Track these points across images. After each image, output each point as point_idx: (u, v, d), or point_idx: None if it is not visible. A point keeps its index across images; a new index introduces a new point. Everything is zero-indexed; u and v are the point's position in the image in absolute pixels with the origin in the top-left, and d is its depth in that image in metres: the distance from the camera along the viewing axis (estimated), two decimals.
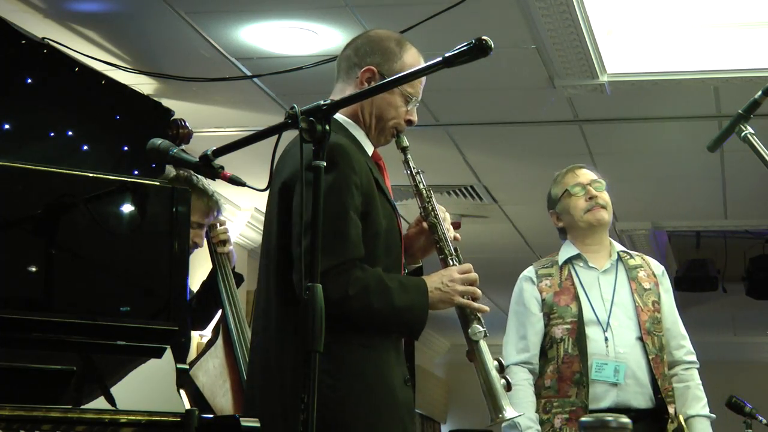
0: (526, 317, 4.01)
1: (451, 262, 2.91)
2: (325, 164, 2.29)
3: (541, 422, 3.90)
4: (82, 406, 2.49)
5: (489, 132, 7.11)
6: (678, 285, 9.88)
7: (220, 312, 3.92)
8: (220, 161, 2.46)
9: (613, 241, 4.16)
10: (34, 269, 2.50)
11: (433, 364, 14.20)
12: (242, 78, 6.05)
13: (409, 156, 2.97)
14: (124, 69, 5.84)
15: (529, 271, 4.11)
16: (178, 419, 2.40)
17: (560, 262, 4.08)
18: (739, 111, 3.00)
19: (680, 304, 12.42)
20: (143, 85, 6.05)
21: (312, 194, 2.30)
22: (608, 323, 3.95)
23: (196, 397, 3.59)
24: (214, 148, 2.44)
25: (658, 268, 4.17)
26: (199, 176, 3.88)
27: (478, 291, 2.89)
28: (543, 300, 4.01)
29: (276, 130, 2.38)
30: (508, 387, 2.84)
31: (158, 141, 2.52)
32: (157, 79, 6.04)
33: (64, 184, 2.58)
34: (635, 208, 8.70)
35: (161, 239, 2.62)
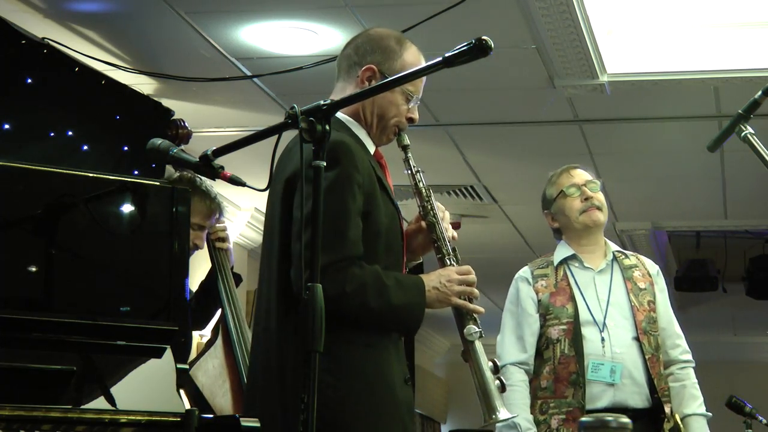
0: (522, 318, 4.00)
1: (448, 262, 2.91)
2: (324, 164, 2.29)
3: (538, 423, 3.89)
4: (82, 406, 2.49)
5: (489, 132, 7.11)
6: (678, 285, 9.88)
7: (219, 312, 3.92)
8: (220, 161, 2.46)
9: (608, 241, 4.15)
10: (34, 269, 2.50)
11: (433, 364, 14.20)
12: (242, 78, 6.05)
13: (409, 154, 2.97)
14: (124, 69, 5.84)
15: (525, 272, 4.10)
16: (178, 419, 2.40)
17: (555, 263, 4.07)
18: (739, 111, 3.00)
19: (680, 304, 12.40)
20: (143, 85, 6.05)
21: (313, 194, 2.30)
22: (604, 323, 3.95)
23: (196, 397, 3.59)
24: (214, 148, 2.44)
25: (653, 267, 4.17)
26: (203, 178, 3.88)
27: (476, 291, 2.89)
28: (539, 300, 4.01)
29: (276, 130, 2.38)
30: (503, 388, 2.85)
31: (158, 141, 2.52)
32: (157, 79, 6.04)
33: (64, 184, 2.57)
34: (635, 208, 8.70)
35: (161, 239, 2.62)
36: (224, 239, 4.03)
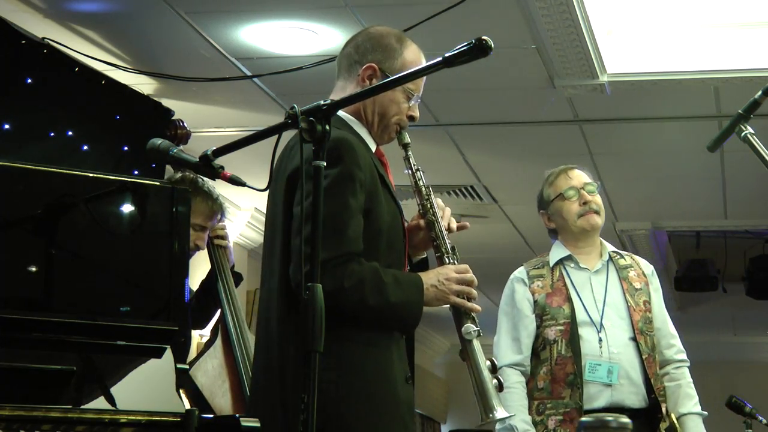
0: (519, 319, 4.00)
1: (447, 260, 2.92)
2: (324, 164, 2.29)
3: (534, 423, 3.89)
4: (82, 406, 2.49)
5: (489, 132, 7.11)
6: (678, 285, 9.88)
7: (219, 312, 3.92)
8: (220, 161, 2.46)
9: (604, 242, 4.15)
10: (34, 269, 2.50)
11: (433, 364, 14.20)
12: (242, 78, 6.05)
13: (410, 153, 2.98)
14: (124, 69, 5.84)
15: (521, 272, 4.10)
16: (178, 419, 2.40)
17: (551, 264, 4.07)
18: (739, 111, 3.00)
19: (680, 304, 12.39)
20: (143, 85, 6.05)
21: (313, 194, 2.31)
22: (601, 324, 3.95)
23: (196, 397, 3.59)
24: (214, 148, 2.44)
25: (648, 267, 4.17)
26: (205, 179, 3.89)
27: (474, 291, 2.90)
28: (535, 301, 4.00)
29: (276, 130, 2.38)
30: (500, 387, 2.85)
31: (158, 141, 2.52)
32: (157, 79, 6.04)
33: (64, 184, 2.57)
34: (635, 208, 8.70)
35: (161, 239, 2.62)
36: (223, 237, 4.03)
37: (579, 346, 3.90)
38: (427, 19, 5.14)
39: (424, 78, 2.96)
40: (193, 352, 4.10)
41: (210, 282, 4.00)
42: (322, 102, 2.31)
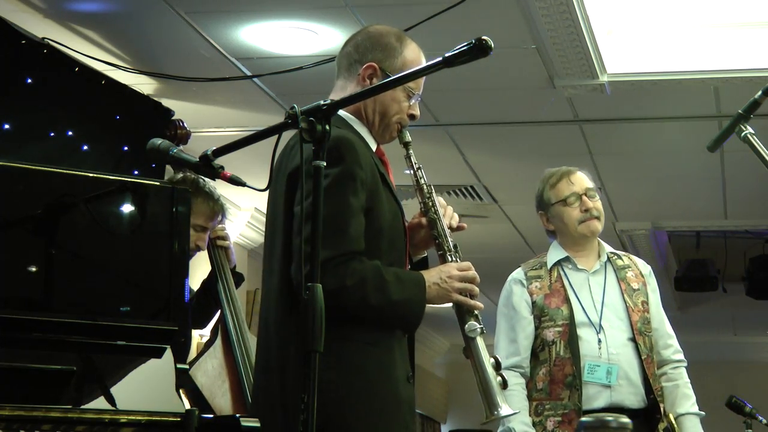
0: (516, 320, 3.99)
1: (449, 258, 2.91)
2: (324, 164, 2.29)
3: (533, 424, 3.89)
4: (82, 406, 2.49)
5: (489, 132, 7.11)
6: (678, 285, 9.88)
7: (219, 312, 3.92)
8: (220, 161, 2.46)
9: (602, 242, 4.14)
10: (34, 269, 2.50)
11: (433, 364, 14.20)
12: (242, 78, 6.05)
13: (411, 151, 2.97)
14: (124, 69, 5.84)
15: (518, 274, 4.09)
16: (178, 419, 2.40)
17: (549, 265, 4.07)
18: (739, 111, 3.00)
19: (680, 304, 12.36)
20: (143, 85, 6.05)
21: (313, 194, 2.31)
22: (600, 325, 3.95)
23: (196, 397, 3.59)
24: (214, 148, 2.44)
25: (645, 267, 4.16)
26: (206, 180, 3.89)
27: (476, 288, 2.89)
28: (533, 302, 4.00)
29: (276, 130, 2.38)
30: (504, 384, 2.84)
31: (158, 141, 2.52)
32: (157, 79, 6.04)
33: (64, 184, 2.57)
34: (635, 208, 8.70)
35: (161, 239, 2.62)
36: (224, 238, 4.03)
37: (578, 347, 3.90)
38: (427, 19, 5.14)
39: (425, 77, 2.96)
40: (192, 353, 4.09)
41: (211, 282, 4.00)
42: (322, 102, 2.31)
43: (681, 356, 4.09)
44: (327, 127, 2.29)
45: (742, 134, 2.98)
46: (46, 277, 2.51)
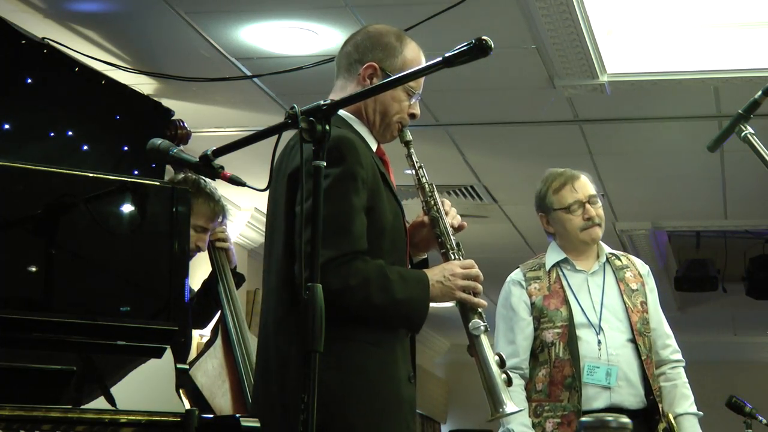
0: (515, 322, 3.98)
1: (452, 257, 2.91)
2: (324, 164, 2.29)
3: (532, 425, 3.88)
4: (82, 406, 2.49)
5: (489, 132, 7.11)
6: (678, 285, 9.88)
7: (219, 312, 3.92)
8: (220, 161, 2.46)
9: (602, 243, 4.13)
10: (34, 269, 2.50)
11: (433, 364, 14.20)
12: (242, 78, 6.05)
13: (412, 150, 2.97)
14: (124, 69, 5.84)
15: (517, 275, 4.08)
16: (178, 419, 2.40)
17: (548, 267, 4.06)
18: (739, 111, 3.00)
19: (680, 304, 12.32)
20: (143, 85, 6.05)
21: (313, 194, 2.31)
22: (600, 326, 3.94)
23: (196, 397, 3.60)
24: (214, 148, 2.44)
25: (644, 267, 4.16)
26: (207, 180, 3.88)
27: (480, 286, 2.89)
28: (533, 303, 3.99)
29: (276, 130, 2.38)
30: (509, 382, 2.83)
31: (158, 141, 2.52)
32: (157, 79, 6.04)
33: (64, 184, 2.57)
34: (635, 208, 8.70)
35: (161, 239, 2.62)
36: (224, 239, 4.03)
37: (577, 348, 3.89)
38: (427, 19, 5.14)
39: (424, 76, 2.96)
40: (193, 353, 4.10)
41: (211, 282, 4.00)
42: (322, 102, 2.31)
43: (679, 356, 4.09)
44: (327, 127, 2.29)
45: (742, 134, 2.98)
46: (46, 277, 2.51)
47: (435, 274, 2.85)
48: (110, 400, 2.55)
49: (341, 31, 5.45)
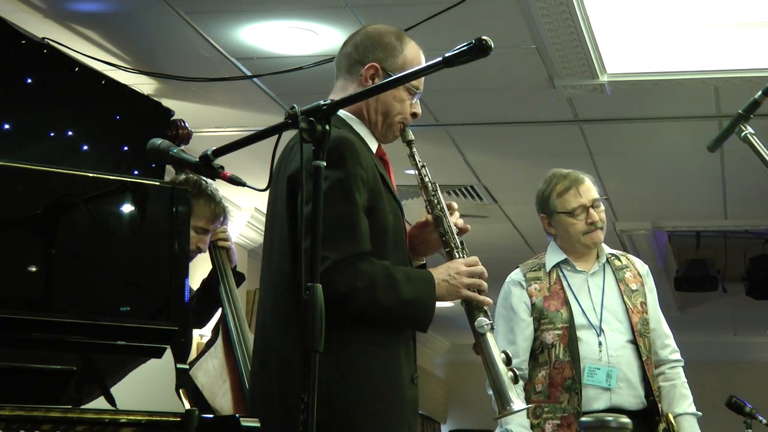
0: (515, 322, 3.98)
1: (456, 255, 2.90)
2: (324, 164, 2.29)
3: (531, 427, 3.88)
4: (82, 406, 2.49)
5: (489, 132, 7.11)
6: (678, 285, 9.88)
7: (220, 312, 3.92)
8: (220, 161, 2.46)
9: (603, 244, 4.12)
10: (34, 269, 2.50)
11: (433, 364, 14.20)
12: (242, 78, 6.05)
13: (414, 149, 2.97)
14: (124, 69, 5.84)
15: (517, 275, 4.07)
16: (178, 419, 2.40)
17: (548, 268, 4.05)
18: (739, 111, 3.00)
19: (680, 304, 12.31)
20: (143, 85, 6.05)
21: (313, 194, 2.31)
22: (600, 327, 3.94)
23: (196, 397, 3.59)
24: (214, 148, 2.44)
25: (643, 267, 4.15)
26: (209, 182, 3.88)
27: (485, 284, 2.88)
28: (533, 304, 3.98)
29: (276, 130, 2.38)
30: (516, 379, 2.83)
31: (158, 141, 2.52)
32: (157, 79, 6.04)
33: (64, 184, 2.57)
34: (635, 208, 8.70)
35: (161, 239, 2.62)
36: (226, 239, 4.03)
37: (578, 350, 3.89)
38: (427, 19, 5.14)
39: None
40: (193, 353, 4.10)
41: (211, 281, 4.00)
42: (322, 102, 2.31)
43: (678, 356, 4.09)
44: (327, 127, 2.29)
45: (742, 134, 2.98)
46: (46, 277, 2.51)
47: (440, 273, 2.85)
48: (110, 400, 2.55)
49: (341, 31, 5.45)
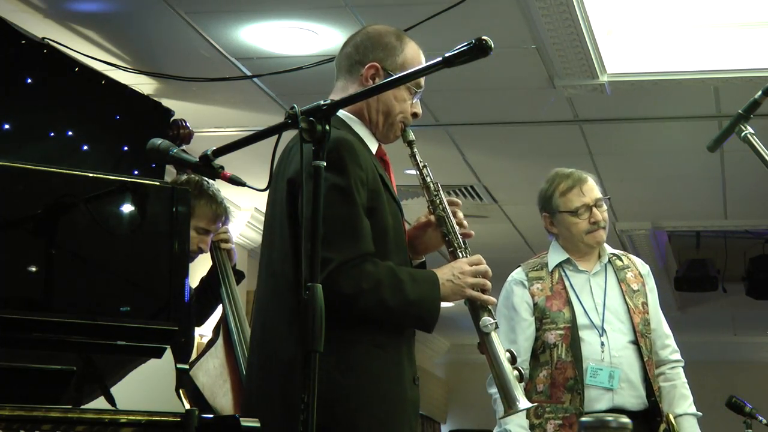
0: (517, 322, 3.97)
1: (460, 255, 2.90)
2: (324, 164, 2.29)
3: (532, 427, 3.87)
4: (82, 406, 2.49)
5: (489, 132, 7.11)
6: (678, 285, 9.89)
7: (220, 312, 3.92)
8: (220, 161, 2.46)
9: (604, 244, 4.11)
10: (34, 269, 2.50)
11: (433, 364, 14.20)
12: (242, 78, 6.05)
13: (415, 150, 2.97)
14: (124, 69, 5.84)
15: (519, 274, 4.07)
16: (178, 419, 2.40)
17: (551, 267, 4.05)
18: (739, 111, 3.00)
19: (680, 304, 12.32)
20: (143, 85, 6.05)
21: (313, 194, 2.30)
22: (603, 328, 3.94)
23: (196, 397, 3.59)
24: (214, 148, 2.44)
25: (644, 267, 4.15)
26: (210, 182, 3.88)
27: (489, 283, 2.88)
28: (535, 304, 3.98)
29: (276, 130, 2.38)
30: (521, 378, 2.82)
31: (158, 141, 2.52)
32: (157, 79, 6.04)
33: (64, 184, 2.57)
34: (635, 208, 8.70)
35: (161, 239, 2.62)
36: (227, 240, 4.03)
37: (580, 350, 3.89)
38: (427, 19, 5.14)
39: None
40: (193, 353, 4.10)
41: (211, 279, 4.00)
42: (322, 102, 2.31)
43: (678, 356, 4.09)
44: (327, 127, 2.29)
45: (742, 134, 2.98)
46: (46, 277, 2.51)
47: (444, 272, 2.85)
48: (110, 400, 2.55)
49: (341, 31, 5.45)
